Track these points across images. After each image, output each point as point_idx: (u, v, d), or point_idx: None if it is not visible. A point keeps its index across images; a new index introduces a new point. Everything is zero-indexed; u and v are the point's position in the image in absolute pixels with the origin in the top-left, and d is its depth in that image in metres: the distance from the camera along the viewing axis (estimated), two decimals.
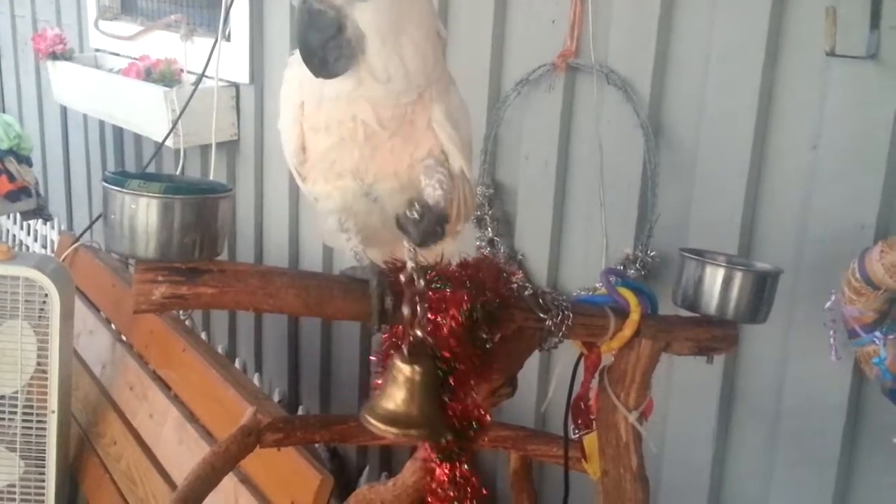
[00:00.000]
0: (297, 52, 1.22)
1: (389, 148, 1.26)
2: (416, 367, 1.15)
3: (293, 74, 1.30)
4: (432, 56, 1.24)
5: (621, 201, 2.07)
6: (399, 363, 1.16)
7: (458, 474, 1.26)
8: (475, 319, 1.23)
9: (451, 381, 1.21)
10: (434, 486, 1.28)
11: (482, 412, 1.26)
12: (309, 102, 1.27)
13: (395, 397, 1.15)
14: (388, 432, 1.15)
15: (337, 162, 1.28)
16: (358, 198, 1.30)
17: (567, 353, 1.57)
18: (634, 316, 1.37)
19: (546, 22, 2.15)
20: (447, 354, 1.20)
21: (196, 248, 1.10)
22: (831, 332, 1.64)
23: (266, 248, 3.30)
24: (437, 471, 1.27)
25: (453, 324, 1.21)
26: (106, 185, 1.08)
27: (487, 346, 1.26)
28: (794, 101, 1.75)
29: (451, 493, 1.27)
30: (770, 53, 1.76)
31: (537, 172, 2.24)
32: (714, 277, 1.39)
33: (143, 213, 1.07)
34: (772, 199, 1.82)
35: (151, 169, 3.69)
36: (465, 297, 1.22)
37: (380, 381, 1.21)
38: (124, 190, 1.06)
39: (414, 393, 1.15)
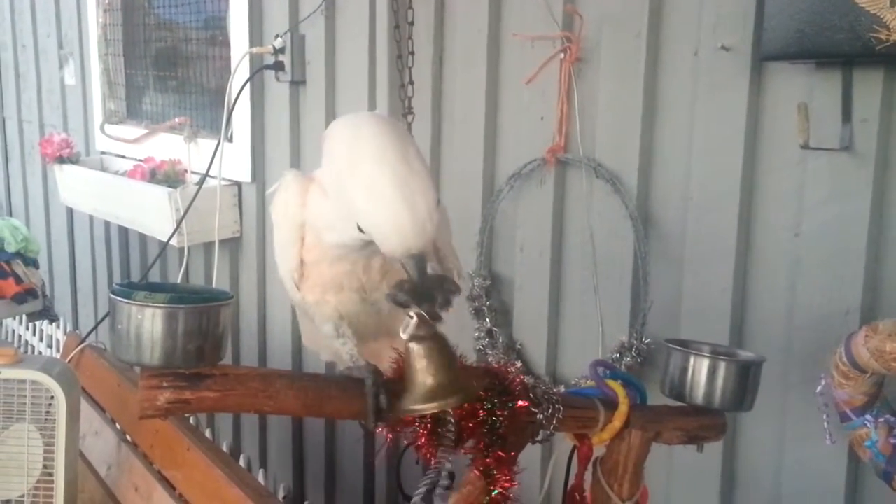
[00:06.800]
0: (292, 173, 1.28)
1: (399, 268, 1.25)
2: (428, 344, 1.15)
3: (290, 197, 1.28)
4: None
5: (615, 290, 2.11)
6: (412, 345, 1.15)
7: None
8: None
9: None
10: None
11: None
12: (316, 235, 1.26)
13: (419, 377, 1.15)
14: (429, 408, 1.15)
15: (345, 283, 1.30)
16: (356, 304, 1.32)
17: (565, 442, 1.59)
18: (623, 407, 1.40)
19: (535, 119, 2.23)
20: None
21: (199, 355, 1.14)
22: (824, 416, 1.66)
23: (269, 342, 3.33)
24: None
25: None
26: (113, 296, 1.13)
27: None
28: (774, 191, 1.81)
29: None
30: (749, 146, 1.82)
31: (533, 263, 2.29)
32: (699, 368, 1.42)
33: (149, 323, 1.11)
34: (759, 285, 1.86)
35: (157, 267, 3.76)
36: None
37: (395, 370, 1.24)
38: (131, 301, 1.11)
39: (435, 366, 1.15)
